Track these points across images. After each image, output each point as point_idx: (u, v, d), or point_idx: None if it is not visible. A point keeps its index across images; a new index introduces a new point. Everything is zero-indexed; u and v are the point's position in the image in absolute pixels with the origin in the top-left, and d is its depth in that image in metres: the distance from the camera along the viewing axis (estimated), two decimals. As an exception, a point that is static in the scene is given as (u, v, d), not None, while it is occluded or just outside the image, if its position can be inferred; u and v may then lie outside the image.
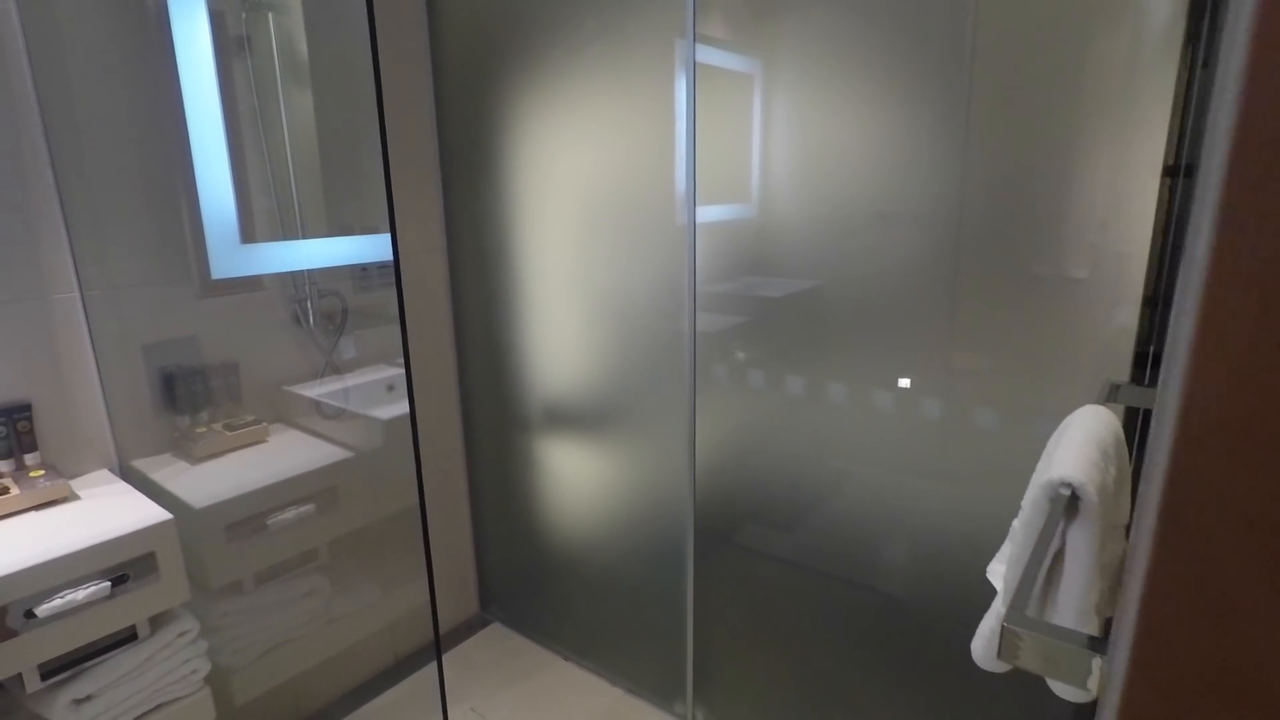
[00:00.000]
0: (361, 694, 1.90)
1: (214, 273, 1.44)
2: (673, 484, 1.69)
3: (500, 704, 1.86)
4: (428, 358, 1.97)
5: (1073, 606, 0.72)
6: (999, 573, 0.89)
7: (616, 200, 1.63)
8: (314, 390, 1.65)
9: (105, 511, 1.21)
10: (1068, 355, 1.18)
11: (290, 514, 1.43)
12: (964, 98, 1.19)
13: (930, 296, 1.30)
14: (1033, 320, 1.20)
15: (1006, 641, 0.55)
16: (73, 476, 1.33)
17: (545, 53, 1.64)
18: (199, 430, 1.46)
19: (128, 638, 1.20)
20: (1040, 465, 0.88)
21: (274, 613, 1.52)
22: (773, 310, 1.52)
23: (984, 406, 1.28)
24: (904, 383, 1.37)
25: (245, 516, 1.39)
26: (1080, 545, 0.71)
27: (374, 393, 1.73)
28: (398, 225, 1.74)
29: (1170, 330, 0.35)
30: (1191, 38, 1.00)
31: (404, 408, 1.71)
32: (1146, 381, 1.10)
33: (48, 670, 1.11)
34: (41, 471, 1.26)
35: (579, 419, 1.86)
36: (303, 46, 1.56)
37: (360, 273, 1.73)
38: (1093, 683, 0.49)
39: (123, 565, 1.14)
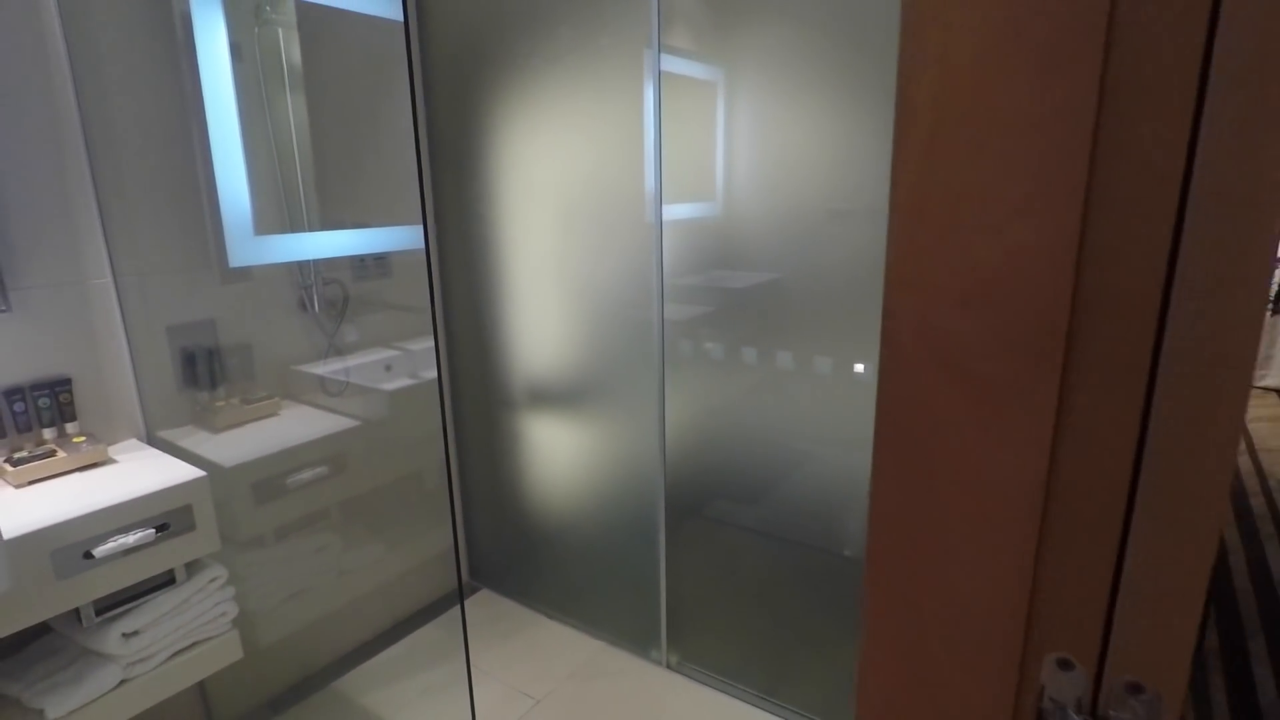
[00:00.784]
0: (374, 645, 2.06)
1: (231, 261, 1.59)
2: (645, 458, 1.87)
3: (492, 659, 2.03)
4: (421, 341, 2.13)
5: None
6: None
7: (591, 198, 1.80)
8: (319, 369, 1.81)
9: (143, 471, 1.36)
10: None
11: (307, 474, 1.60)
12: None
13: (881, 286, 1.49)
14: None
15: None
16: (108, 445, 1.48)
17: (525, 63, 1.81)
18: (218, 404, 1.61)
19: (166, 582, 1.35)
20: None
21: (291, 564, 1.69)
22: (736, 300, 1.68)
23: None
24: (859, 367, 1.55)
25: (268, 476, 1.55)
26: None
27: (374, 372, 1.90)
28: (394, 222, 1.90)
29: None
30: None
31: (401, 383, 1.88)
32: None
33: (100, 608, 1.27)
34: (83, 438, 1.41)
35: (559, 400, 2.04)
36: (304, 60, 1.72)
37: (359, 263, 1.89)
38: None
39: (165, 515, 1.30)
